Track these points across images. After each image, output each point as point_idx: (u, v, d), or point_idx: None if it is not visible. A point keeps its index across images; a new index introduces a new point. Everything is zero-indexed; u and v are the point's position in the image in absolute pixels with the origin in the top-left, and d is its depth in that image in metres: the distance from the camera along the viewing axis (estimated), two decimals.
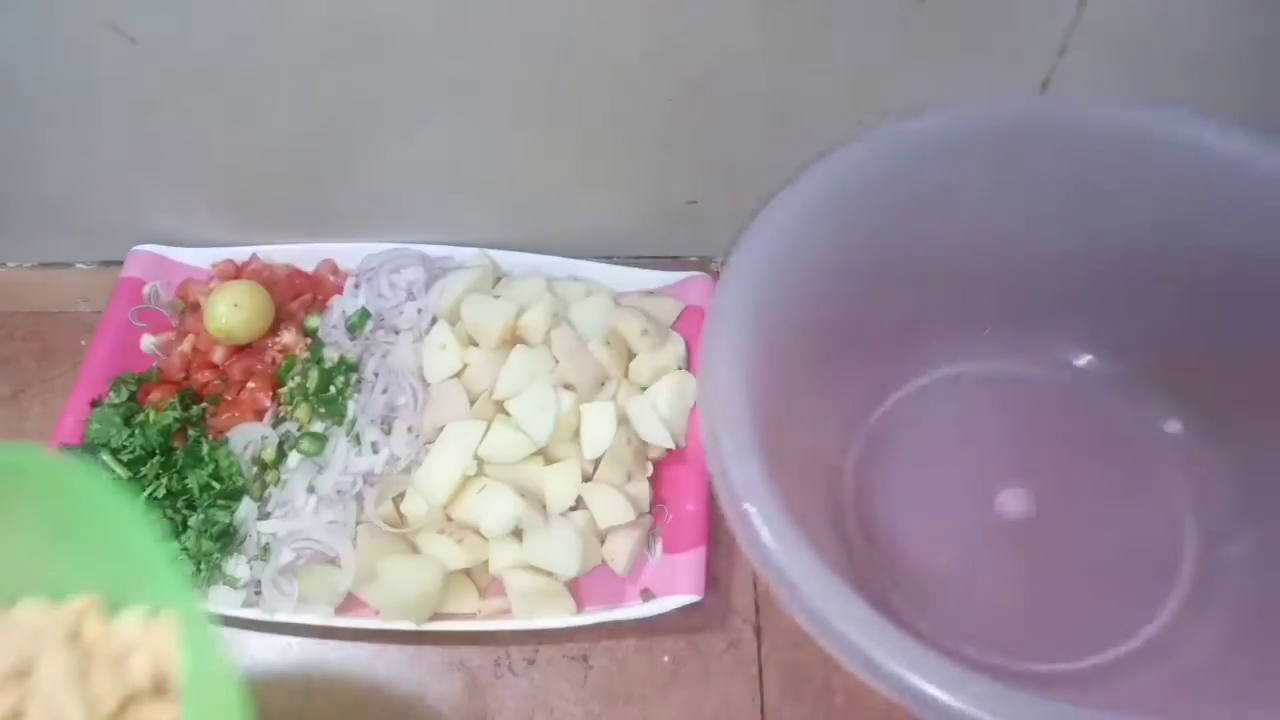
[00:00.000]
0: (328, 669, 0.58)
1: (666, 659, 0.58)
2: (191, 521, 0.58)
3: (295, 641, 0.58)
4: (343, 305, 0.65)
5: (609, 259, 0.69)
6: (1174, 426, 0.59)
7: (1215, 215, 0.52)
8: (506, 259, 0.68)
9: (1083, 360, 0.62)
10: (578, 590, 0.58)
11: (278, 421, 0.62)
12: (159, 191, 0.67)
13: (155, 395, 0.63)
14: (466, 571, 0.58)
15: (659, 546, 0.59)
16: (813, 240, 0.50)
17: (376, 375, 0.62)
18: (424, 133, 0.61)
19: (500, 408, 0.60)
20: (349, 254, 0.69)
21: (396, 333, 0.64)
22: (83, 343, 0.69)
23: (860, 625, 0.38)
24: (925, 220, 0.55)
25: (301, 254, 0.69)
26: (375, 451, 0.59)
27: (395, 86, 0.57)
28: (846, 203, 0.51)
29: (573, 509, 0.58)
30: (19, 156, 0.63)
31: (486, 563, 0.57)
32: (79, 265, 0.74)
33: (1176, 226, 0.53)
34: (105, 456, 0.59)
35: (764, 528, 0.40)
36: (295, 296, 0.67)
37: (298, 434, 0.61)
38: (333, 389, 0.61)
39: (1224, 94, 0.56)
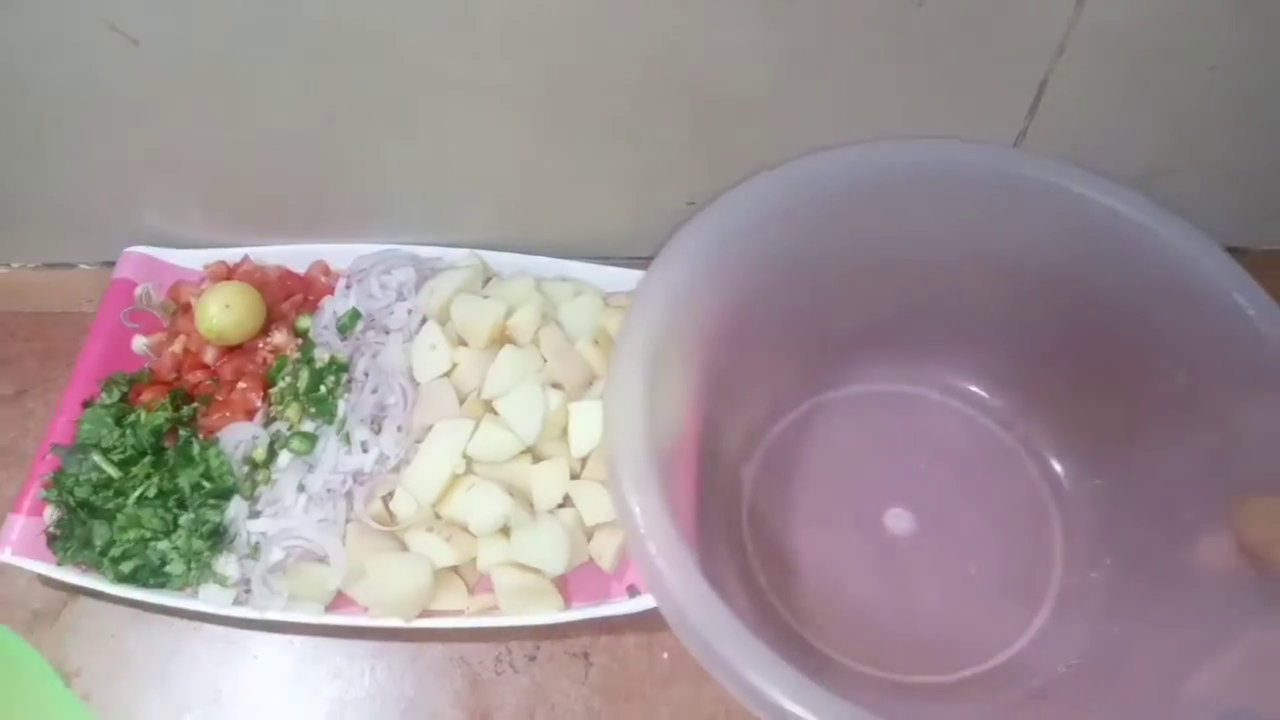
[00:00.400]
0: (329, 666, 0.58)
1: (666, 656, 0.58)
2: (182, 520, 0.58)
3: (297, 640, 0.59)
4: (334, 306, 0.66)
5: (607, 260, 0.69)
6: (1051, 456, 0.64)
7: (1092, 261, 0.56)
8: (497, 259, 0.68)
9: (974, 388, 0.66)
10: (566, 587, 0.58)
11: (268, 421, 0.62)
12: (158, 192, 0.67)
13: (147, 396, 0.63)
14: (455, 569, 0.58)
15: None
16: (720, 265, 0.54)
17: (367, 375, 0.62)
18: (421, 133, 0.61)
19: (489, 407, 0.60)
20: (341, 255, 0.69)
21: (387, 333, 0.64)
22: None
23: (748, 660, 0.41)
24: (833, 250, 0.59)
25: (293, 255, 0.70)
26: (365, 450, 0.60)
27: (393, 87, 0.57)
28: (753, 232, 0.55)
29: (561, 506, 0.59)
30: (22, 156, 0.63)
31: (475, 560, 0.58)
32: (82, 266, 0.74)
33: (1059, 270, 0.58)
34: (96, 456, 0.59)
35: (659, 558, 0.43)
36: (286, 297, 0.67)
37: (288, 433, 0.61)
38: (323, 389, 0.62)
39: (1222, 94, 0.57)
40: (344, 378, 0.62)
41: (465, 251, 0.68)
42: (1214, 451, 0.53)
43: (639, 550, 0.44)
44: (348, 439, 0.60)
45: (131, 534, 0.58)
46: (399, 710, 0.56)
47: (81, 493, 0.59)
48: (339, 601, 0.58)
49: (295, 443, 0.60)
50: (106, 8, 0.52)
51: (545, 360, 0.61)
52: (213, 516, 0.58)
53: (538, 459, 0.60)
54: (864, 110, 0.58)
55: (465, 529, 0.57)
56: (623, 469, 0.46)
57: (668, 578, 0.43)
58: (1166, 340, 0.55)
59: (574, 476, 0.59)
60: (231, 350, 0.65)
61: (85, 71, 0.56)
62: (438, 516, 0.58)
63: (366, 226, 0.69)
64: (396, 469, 0.59)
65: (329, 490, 0.58)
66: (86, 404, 0.62)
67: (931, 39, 0.53)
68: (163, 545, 0.58)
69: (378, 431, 0.60)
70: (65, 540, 0.58)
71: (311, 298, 0.68)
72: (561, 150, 0.62)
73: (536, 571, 0.57)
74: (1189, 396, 0.55)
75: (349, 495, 0.59)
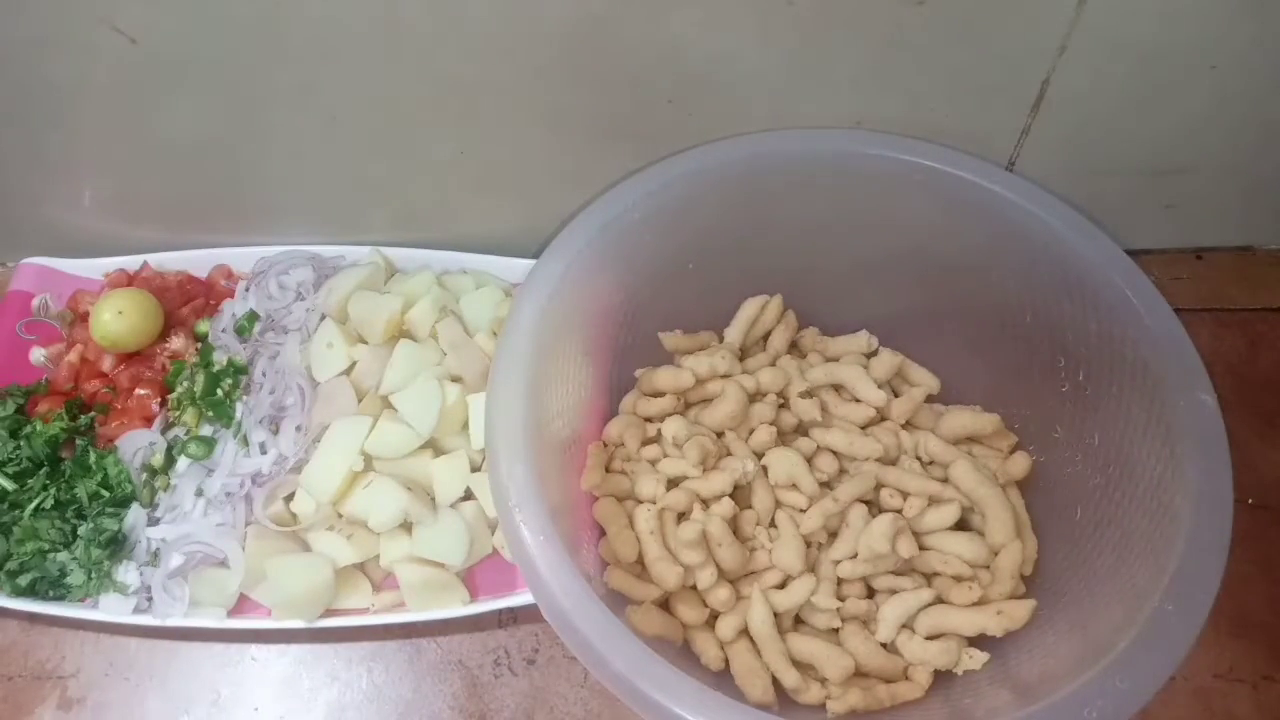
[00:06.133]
0: (327, 669, 0.58)
1: None
2: (81, 530, 0.58)
3: (293, 646, 0.58)
4: (233, 309, 0.65)
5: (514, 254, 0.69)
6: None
7: (996, 257, 0.58)
8: (400, 255, 0.68)
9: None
10: (472, 580, 0.58)
11: (167, 427, 0.62)
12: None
13: (43, 407, 0.62)
14: (360, 567, 0.58)
15: None
16: (611, 251, 0.55)
17: (265, 376, 0.62)
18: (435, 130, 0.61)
19: (387, 403, 0.60)
20: (243, 258, 0.68)
21: (285, 333, 0.63)
22: None
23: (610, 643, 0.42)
24: (737, 237, 0.60)
25: (196, 260, 0.69)
26: (263, 452, 0.59)
27: (404, 86, 0.57)
28: (649, 219, 0.56)
29: (464, 499, 0.59)
30: None
31: (378, 557, 0.57)
32: None
33: (966, 265, 0.59)
34: None
35: (532, 545, 0.44)
36: (187, 302, 0.67)
37: (185, 438, 0.60)
38: (219, 392, 0.61)
39: (1225, 94, 0.57)
40: (243, 380, 0.62)
41: (368, 249, 0.68)
42: (1103, 453, 0.54)
43: (507, 519, 0.44)
44: (245, 441, 0.60)
45: (29, 546, 0.57)
46: (397, 713, 0.56)
47: None
48: (245, 605, 0.57)
49: (192, 447, 0.60)
50: None
51: (444, 354, 0.61)
52: (111, 525, 0.58)
53: (439, 453, 0.59)
54: (865, 110, 0.58)
55: (366, 526, 0.57)
56: (499, 442, 0.46)
57: (529, 545, 0.43)
58: (1067, 339, 0.56)
59: (476, 469, 0.59)
60: (130, 357, 0.64)
61: None
62: (339, 515, 0.58)
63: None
64: (296, 469, 0.59)
65: (227, 494, 0.58)
66: None
67: (933, 38, 0.53)
68: (62, 556, 0.57)
69: (276, 432, 0.60)
70: None
71: (213, 301, 0.67)
72: (562, 148, 0.62)
73: (439, 566, 0.56)
74: (1085, 396, 0.55)
75: (248, 498, 0.58)
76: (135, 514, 0.59)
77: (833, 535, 0.55)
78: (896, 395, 0.61)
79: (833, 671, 0.50)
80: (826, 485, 0.57)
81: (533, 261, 0.66)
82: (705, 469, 0.54)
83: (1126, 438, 0.52)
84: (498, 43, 0.54)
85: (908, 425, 0.60)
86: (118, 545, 0.58)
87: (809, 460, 0.56)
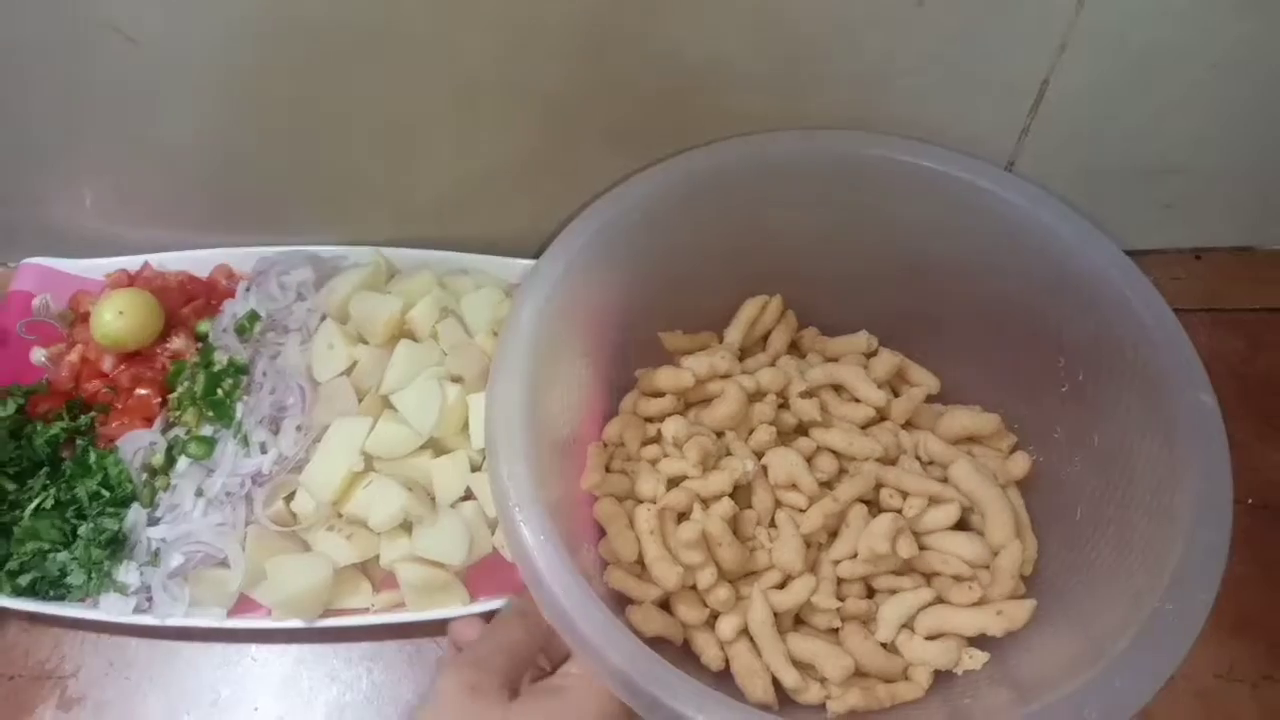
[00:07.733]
0: (327, 669, 0.58)
1: None
2: (81, 530, 0.58)
3: (293, 646, 0.58)
4: (234, 309, 0.65)
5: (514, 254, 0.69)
6: None
7: (995, 257, 0.57)
8: (399, 256, 0.68)
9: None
10: (472, 580, 0.58)
11: (167, 427, 0.62)
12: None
13: (44, 407, 0.62)
14: (360, 567, 0.58)
15: None
16: (613, 252, 0.55)
17: (265, 376, 0.62)
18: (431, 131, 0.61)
19: (387, 403, 0.60)
20: (244, 258, 0.69)
21: (286, 333, 0.63)
22: None
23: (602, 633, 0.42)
24: (736, 239, 0.60)
25: (196, 260, 0.69)
26: (263, 452, 0.59)
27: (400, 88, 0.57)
28: (649, 220, 0.56)
29: (464, 499, 0.59)
30: None
31: (378, 557, 0.57)
32: None
33: (964, 265, 0.59)
34: None
35: (523, 525, 0.44)
36: (187, 302, 0.67)
37: (186, 438, 0.60)
38: (220, 391, 0.61)
39: (1224, 93, 0.57)
40: (243, 380, 0.62)
41: (368, 250, 0.68)
42: (1103, 453, 0.54)
43: (507, 519, 0.44)
44: (245, 441, 0.60)
45: (29, 546, 0.57)
46: (397, 713, 0.56)
47: None
48: (245, 604, 0.57)
49: (192, 447, 0.60)
50: None
51: (444, 354, 0.61)
52: (111, 525, 0.58)
53: (439, 453, 0.59)
54: (863, 111, 0.58)
55: (366, 526, 0.57)
56: (499, 442, 0.46)
57: (530, 545, 0.43)
58: (1067, 339, 0.56)
59: (476, 469, 0.59)
60: (130, 357, 0.64)
61: None
62: (339, 515, 0.58)
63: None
64: (296, 469, 0.59)
65: (228, 494, 0.58)
66: None
67: (932, 38, 0.53)
68: (62, 556, 0.57)
69: (276, 432, 0.60)
70: None
71: (214, 301, 0.67)
72: (564, 150, 0.62)
73: (439, 565, 0.56)
74: (1085, 396, 0.55)
75: (248, 498, 0.58)
76: (135, 514, 0.59)
77: (833, 535, 0.55)
78: (896, 395, 0.61)
79: (833, 671, 0.50)
80: (826, 485, 0.57)
81: (533, 261, 0.67)
82: (705, 469, 0.54)
83: (1126, 438, 0.52)
84: (498, 42, 0.54)
85: (908, 425, 0.60)
86: (118, 545, 0.58)
87: (809, 460, 0.56)
